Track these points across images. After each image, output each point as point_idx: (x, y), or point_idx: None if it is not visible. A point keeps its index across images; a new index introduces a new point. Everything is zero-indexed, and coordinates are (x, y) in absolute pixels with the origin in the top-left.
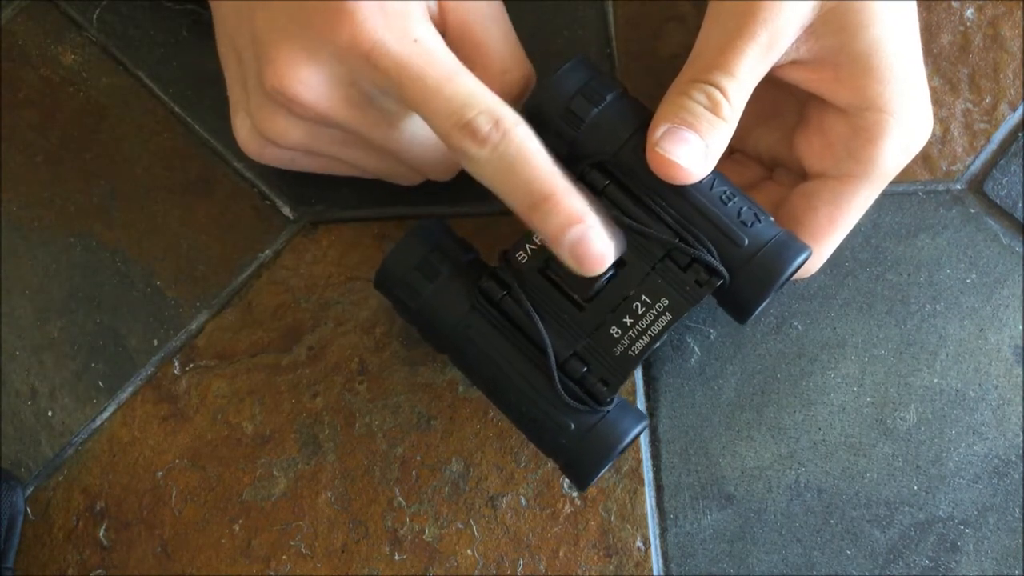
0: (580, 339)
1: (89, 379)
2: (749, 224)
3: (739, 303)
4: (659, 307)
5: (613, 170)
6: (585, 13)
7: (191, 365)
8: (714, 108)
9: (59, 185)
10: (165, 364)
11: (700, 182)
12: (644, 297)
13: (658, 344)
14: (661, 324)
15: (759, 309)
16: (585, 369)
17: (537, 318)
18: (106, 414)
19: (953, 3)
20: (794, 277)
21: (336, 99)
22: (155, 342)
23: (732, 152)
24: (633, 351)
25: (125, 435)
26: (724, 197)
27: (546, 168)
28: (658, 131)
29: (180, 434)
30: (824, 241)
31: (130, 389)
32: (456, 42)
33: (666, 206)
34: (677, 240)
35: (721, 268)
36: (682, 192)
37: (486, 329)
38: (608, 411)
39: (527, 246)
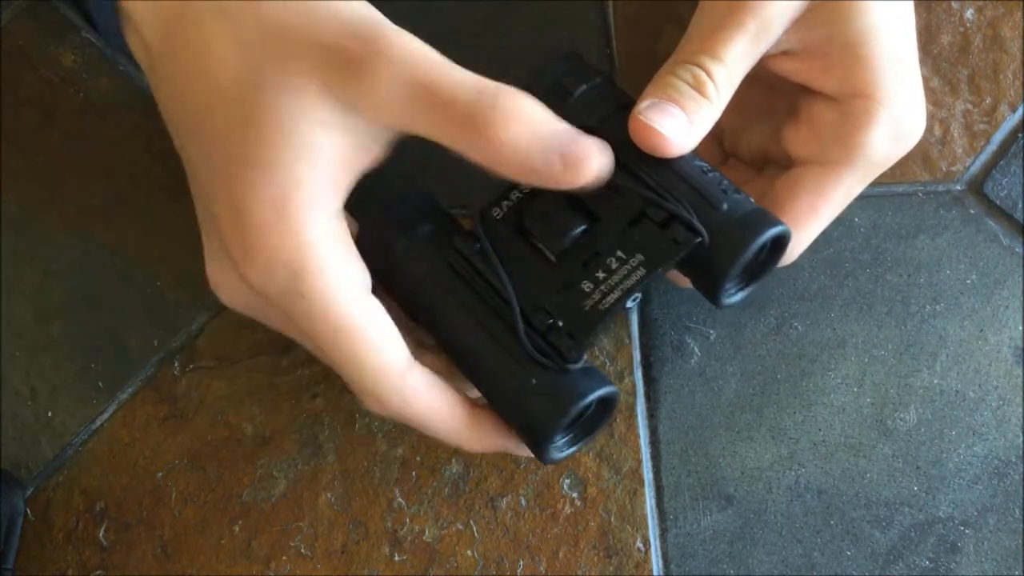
0: (550, 294)
1: (89, 379)
2: (729, 193)
3: (713, 269)
4: (633, 262)
5: (592, 133)
6: (585, 13)
7: (191, 366)
8: (699, 87)
9: (59, 185)
10: (165, 365)
11: (682, 157)
12: (619, 252)
13: (630, 301)
14: (634, 279)
15: (740, 294)
16: (551, 322)
17: (499, 267)
18: (106, 415)
19: (953, 4)
20: (776, 265)
21: (253, 309)
22: (155, 342)
23: (727, 159)
24: (603, 305)
25: (125, 436)
26: (705, 169)
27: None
28: (643, 103)
29: (180, 435)
30: (804, 228)
31: (130, 390)
32: None
33: (647, 171)
34: (655, 196)
35: (699, 225)
36: (663, 161)
37: (457, 285)
38: (574, 369)
39: (503, 203)
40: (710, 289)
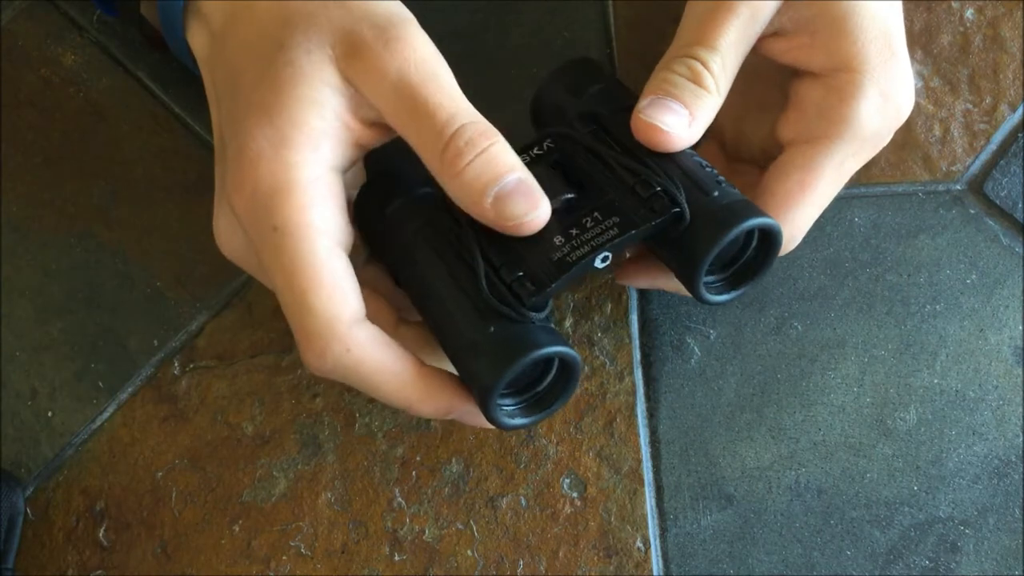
0: (524, 249)
1: (89, 379)
2: (722, 184)
3: (692, 254)
4: (608, 223)
5: (600, 121)
6: (585, 13)
7: (191, 365)
8: (696, 79)
9: (59, 185)
10: (165, 364)
11: (682, 152)
12: (596, 214)
13: (599, 261)
14: (605, 237)
15: (727, 293)
16: (520, 274)
17: (463, 217)
18: (106, 414)
19: (953, 4)
20: (769, 267)
21: (240, 251)
22: (155, 342)
23: (731, 163)
24: (571, 257)
25: (125, 435)
26: (703, 164)
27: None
28: (644, 101)
29: (180, 435)
30: (796, 209)
31: (130, 389)
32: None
33: (645, 156)
34: (646, 171)
35: (681, 199)
36: (663, 154)
37: (438, 240)
38: (535, 325)
39: None
40: (688, 276)
